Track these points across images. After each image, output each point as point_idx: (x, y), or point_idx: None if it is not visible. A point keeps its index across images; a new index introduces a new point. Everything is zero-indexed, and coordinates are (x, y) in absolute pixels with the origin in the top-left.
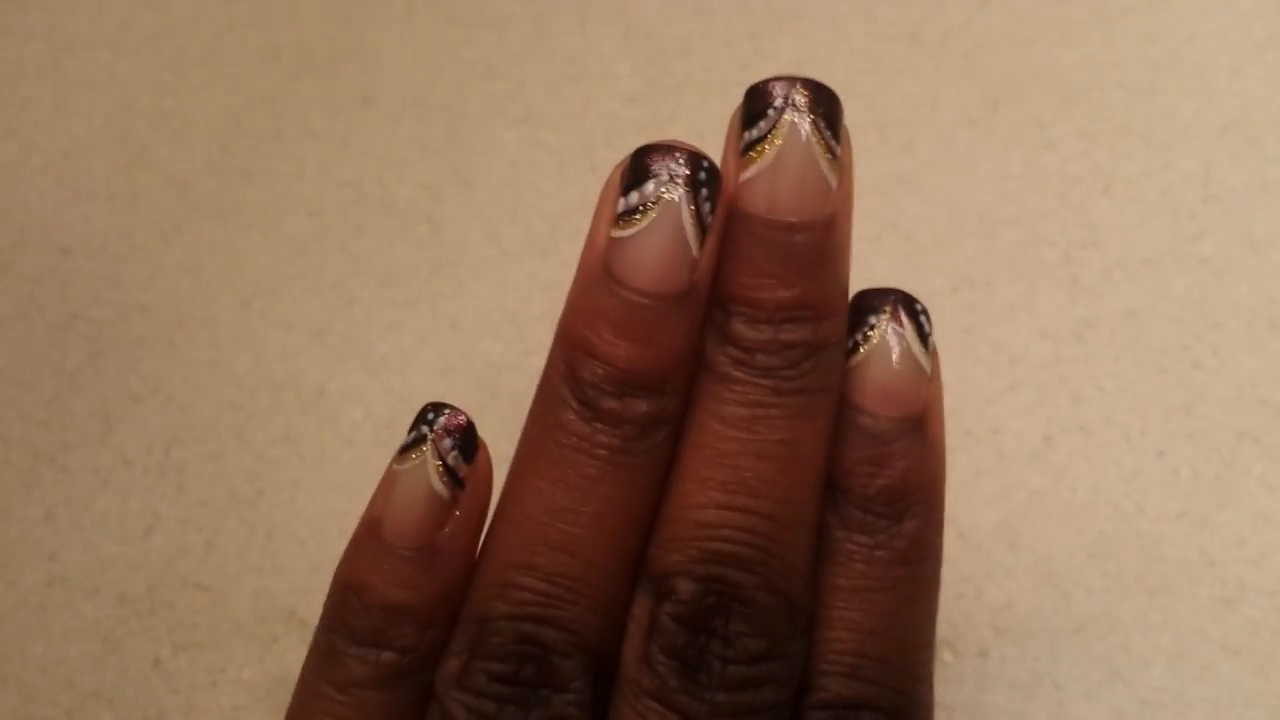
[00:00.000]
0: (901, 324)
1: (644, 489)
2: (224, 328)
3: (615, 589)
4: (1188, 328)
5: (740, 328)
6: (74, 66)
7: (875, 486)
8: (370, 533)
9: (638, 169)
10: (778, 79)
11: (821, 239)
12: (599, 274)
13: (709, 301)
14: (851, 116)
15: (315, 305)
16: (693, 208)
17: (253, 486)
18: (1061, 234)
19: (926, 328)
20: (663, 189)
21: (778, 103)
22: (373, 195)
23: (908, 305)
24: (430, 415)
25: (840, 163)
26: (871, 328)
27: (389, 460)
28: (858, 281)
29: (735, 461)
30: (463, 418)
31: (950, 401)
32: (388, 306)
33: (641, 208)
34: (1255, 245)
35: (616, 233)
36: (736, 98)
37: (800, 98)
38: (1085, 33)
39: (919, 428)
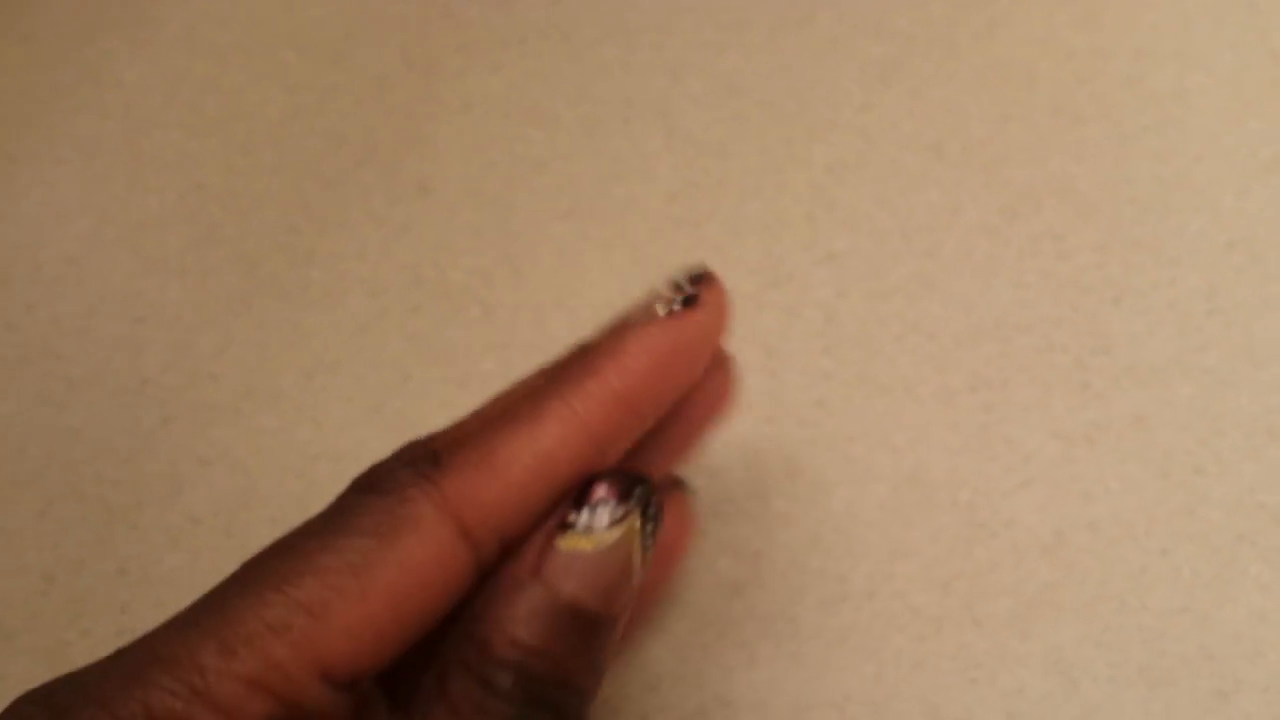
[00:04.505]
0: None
1: None
2: (288, 399)
3: None
4: (1191, 434)
5: None
6: (149, 145)
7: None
8: None
9: None
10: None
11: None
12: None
13: None
14: (878, 222)
15: (374, 380)
16: None
17: None
18: (1074, 340)
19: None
20: None
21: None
22: (429, 279)
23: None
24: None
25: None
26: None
27: None
28: (885, 380)
29: None
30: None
31: (966, 495)
32: (441, 384)
33: None
34: (1255, 358)
35: None
36: (769, 199)
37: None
38: (1099, 151)
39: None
